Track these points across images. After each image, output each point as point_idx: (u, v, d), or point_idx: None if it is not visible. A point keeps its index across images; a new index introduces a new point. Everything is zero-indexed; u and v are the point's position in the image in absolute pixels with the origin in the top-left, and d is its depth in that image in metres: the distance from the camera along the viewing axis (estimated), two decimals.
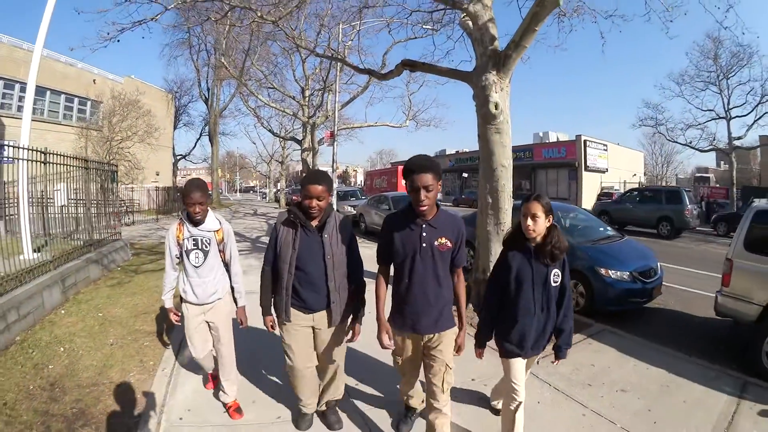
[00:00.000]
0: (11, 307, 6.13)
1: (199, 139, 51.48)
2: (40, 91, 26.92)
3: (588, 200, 38.33)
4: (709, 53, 32.35)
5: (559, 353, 3.69)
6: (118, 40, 9.51)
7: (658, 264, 8.46)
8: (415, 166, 3.23)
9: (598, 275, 7.67)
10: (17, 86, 26.33)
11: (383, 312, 3.62)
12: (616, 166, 45.77)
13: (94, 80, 32.15)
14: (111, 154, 25.92)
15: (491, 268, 7.71)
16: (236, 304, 4.49)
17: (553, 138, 49.05)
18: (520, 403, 3.61)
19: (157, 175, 35.98)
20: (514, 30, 6.81)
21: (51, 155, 8.53)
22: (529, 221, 3.43)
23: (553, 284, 3.52)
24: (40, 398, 4.91)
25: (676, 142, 38.09)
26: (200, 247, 4.20)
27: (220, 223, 4.29)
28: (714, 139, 34.11)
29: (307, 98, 26.15)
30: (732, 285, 6.32)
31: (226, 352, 4.51)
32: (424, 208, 3.26)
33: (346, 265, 3.85)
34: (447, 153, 65.37)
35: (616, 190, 38.02)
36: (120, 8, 9.16)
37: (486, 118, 7.27)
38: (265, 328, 4.02)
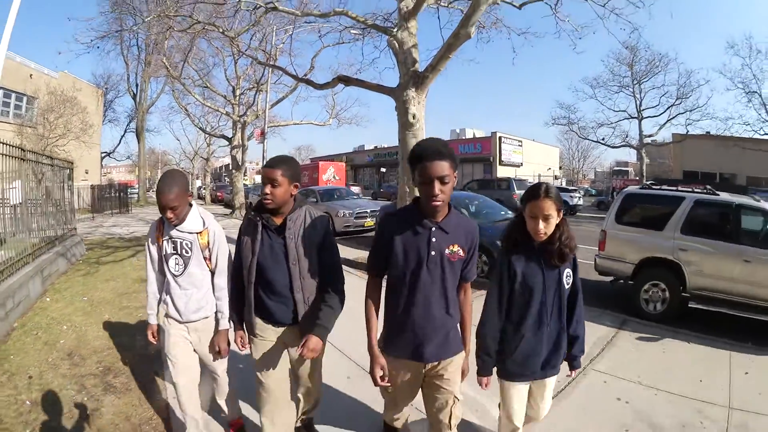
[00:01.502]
0: (8, 296, 6.46)
1: (123, 135, 48.77)
2: None
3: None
4: (625, 61, 35.87)
5: (575, 363, 3.11)
6: (98, 47, 9.87)
7: None
8: (427, 152, 2.54)
9: (497, 246, 8.73)
10: None
11: (375, 338, 2.88)
12: (531, 161, 49.07)
13: (30, 75, 30.09)
14: (47, 153, 24.84)
15: None
16: (216, 327, 3.53)
17: (469, 134, 51.48)
18: (517, 430, 3.11)
19: (87, 173, 34.76)
20: (431, 40, 8.17)
21: (29, 153, 9.04)
22: (540, 224, 2.78)
23: (566, 286, 2.94)
24: (62, 366, 5.28)
25: (588, 139, 42.45)
26: (180, 252, 3.41)
27: (205, 222, 3.42)
28: (627, 137, 38.02)
29: (237, 97, 26.51)
30: (606, 249, 8.36)
31: (218, 376, 3.70)
32: (439, 203, 2.55)
33: (317, 273, 3.11)
34: (366, 149, 66.22)
35: (529, 182, 40.38)
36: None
37: (405, 126, 9.39)
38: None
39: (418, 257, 2.69)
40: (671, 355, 5.82)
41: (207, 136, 41.29)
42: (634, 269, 7.94)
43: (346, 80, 10.97)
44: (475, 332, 3.01)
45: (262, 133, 23.78)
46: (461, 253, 2.73)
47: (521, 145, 49.61)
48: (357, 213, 16.84)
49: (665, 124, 36.35)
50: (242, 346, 3.36)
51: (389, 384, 2.87)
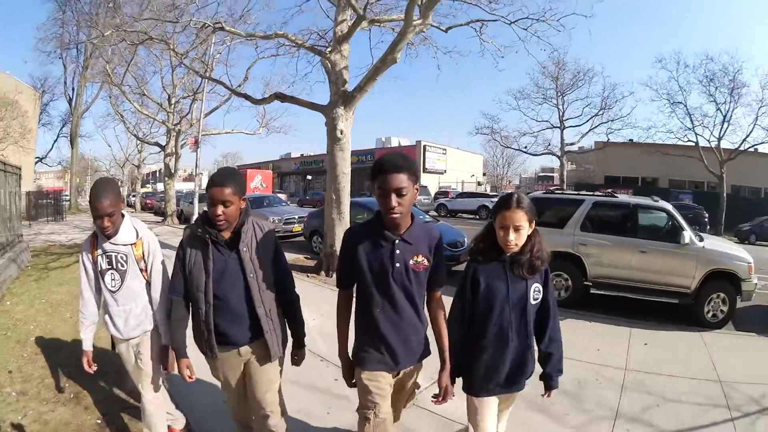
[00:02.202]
0: None
1: (56, 140, 47.06)
2: None
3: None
4: (551, 75, 38.00)
5: (551, 383, 2.95)
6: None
7: (465, 238, 11.95)
8: (385, 165, 2.56)
9: None
10: None
11: (346, 346, 2.94)
12: (455, 168, 51.13)
13: None
14: None
15: (337, 244, 10.33)
16: (158, 340, 3.40)
17: (395, 143, 52.75)
18: None
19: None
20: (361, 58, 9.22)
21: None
22: (511, 235, 2.70)
23: (533, 302, 2.81)
24: (39, 359, 5.67)
25: (511, 148, 45.00)
26: (115, 267, 3.24)
27: (138, 233, 3.30)
28: (549, 145, 40.30)
29: (172, 105, 26.58)
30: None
31: (148, 397, 3.44)
32: (396, 215, 2.56)
33: (273, 283, 3.02)
34: (292, 156, 66.85)
35: (452, 189, 43.00)
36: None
37: (333, 139, 10.46)
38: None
39: (383, 270, 2.68)
40: (572, 332, 6.20)
41: (138, 143, 40.82)
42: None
43: (282, 97, 11.88)
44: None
45: (196, 142, 23.97)
46: (425, 262, 2.72)
47: (445, 153, 51.52)
48: (286, 219, 17.78)
49: (587, 133, 38.75)
50: (189, 377, 3.11)
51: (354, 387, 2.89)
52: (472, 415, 2.93)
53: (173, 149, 27.20)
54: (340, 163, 10.62)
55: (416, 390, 3.04)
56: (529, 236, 2.75)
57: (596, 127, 37.77)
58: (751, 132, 32.59)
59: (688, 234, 8.12)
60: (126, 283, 3.28)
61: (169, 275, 3.24)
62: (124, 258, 3.26)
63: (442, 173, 50.16)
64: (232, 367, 3.10)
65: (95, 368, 3.42)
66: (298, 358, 3.28)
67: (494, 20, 11.72)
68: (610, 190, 10.19)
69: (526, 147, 42.05)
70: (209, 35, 13.89)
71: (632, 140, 38.93)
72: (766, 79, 32.15)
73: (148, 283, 3.36)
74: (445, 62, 40.24)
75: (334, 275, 9.77)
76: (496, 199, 12.17)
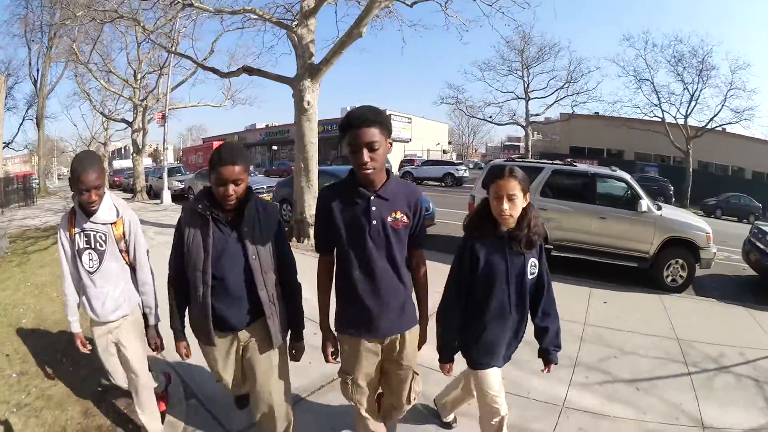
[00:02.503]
0: None
1: (21, 123, 45.79)
2: None
3: (392, 167, 42.55)
4: (516, 47, 39.02)
5: (549, 357, 2.97)
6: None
7: (430, 204, 12.42)
8: (355, 119, 2.45)
9: None
10: None
11: (328, 315, 2.85)
12: (420, 137, 52.12)
13: None
14: None
15: (306, 211, 10.77)
16: (146, 323, 3.41)
17: None
18: (504, 416, 2.96)
19: None
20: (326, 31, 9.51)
21: None
22: (505, 204, 2.68)
23: (530, 276, 2.84)
24: (33, 339, 5.82)
25: (476, 117, 46.54)
26: (93, 246, 3.12)
27: (118, 211, 3.16)
28: (515, 115, 41.54)
29: (138, 81, 26.33)
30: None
31: (140, 383, 3.42)
32: (368, 171, 2.46)
33: (276, 266, 2.88)
34: (257, 127, 66.93)
35: (418, 157, 44.15)
36: None
37: (300, 111, 10.81)
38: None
39: (359, 229, 2.59)
40: None
41: (105, 120, 40.53)
42: None
43: (250, 70, 12.17)
44: (435, 318, 2.97)
45: (163, 117, 24.05)
46: (405, 219, 2.63)
47: (410, 122, 52.02)
48: (254, 189, 17.75)
49: (552, 104, 40.07)
50: (186, 356, 3.07)
51: (337, 361, 2.84)
52: (480, 388, 2.96)
53: (140, 125, 27.04)
54: (307, 133, 11.03)
55: (416, 375, 2.92)
56: (524, 210, 2.74)
57: (561, 99, 38.99)
58: (718, 112, 33.91)
59: (645, 202, 8.70)
60: (104, 264, 3.15)
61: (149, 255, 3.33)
62: (103, 237, 3.13)
63: (407, 142, 50.71)
64: (229, 353, 2.96)
65: (90, 347, 3.35)
66: (296, 351, 3.08)
67: None
68: (569, 160, 10.86)
69: (491, 117, 43.09)
70: (178, 12, 13.96)
71: (597, 113, 40.18)
72: (736, 63, 33.49)
73: (130, 265, 3.28)
74: (410, 35, 40.69)
75: (306, 241, 11.16)
76: (460, 167, 12.93)
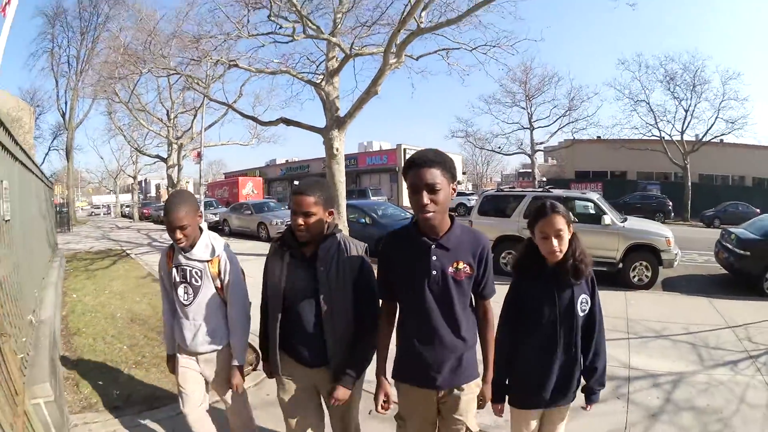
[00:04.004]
0: (50, 285, 6.79)
1: (47, 154, 46.50)
2: None
3: (408, 199, 43.98)
4: (520, 80, 40.00)
5: (592, 397, 2.81)
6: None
7: None
8: (416, 159, 2.35)
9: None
10: None
11: (384, 363, 2.70)
12: None
13: None
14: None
15: None
16: (230, 361, 3.22)
17: (376, 147, 54.59)
18: None
19: None
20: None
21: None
22: (554, 242, 2.58)
23: (581, 314, 2.66)
24: (134, 326, 6.82)
25: (485, 149, 47.41)
26: (189, 281, 3.17)
27: (215, 250, 3.16)
28: (521, 144, 42.29)
29: (171, 120, 28.43)
30: None
31: (239, 417, 3.48)
32: (428, 214, 2.30)
33: (352, 308, 2.76)
34: (277, 162, 68.07)
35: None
36: None
37: (330, 156, 13.05)
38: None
39: (419, 279, 2.44)
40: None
41: (132, 154, 42.54)
42: (494, 243, 11.52)
43: (287, 121, 14.34)
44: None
45: (199, 155, 25.64)
46: (467, 270, 2.44)
47: None
48: (286, 221, 19.57)
49: (556, 132, 41.11)
50: (270, 376, 3.07)
51: (386, 411, 2.68)
52: (514, 426, 2.86)
53: (175, 161, 28.85)
54: (336, 174, 13.29)
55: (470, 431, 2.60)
56: (570, 241, 2.62)
57: (564, 126, 39.98)
58: (713, 125, 34.85)
59: (609, 217, 10.69)
60: (198, 298, 3.16)
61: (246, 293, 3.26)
62: (199, 273, 3.14)
63: None
64: (301, 386, 2.88)
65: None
66: (334, 394, 2.73)
67: (457, 48, 14.12)
68: (548, 187, 12.92)
69: (500, 147, 44.33)
70: (225, 71, 16.00)
71: (599, 137, 41.09)
72: (727, 74, 34.24)
73: (224, 302, 3.23)
74: (418, 79, 42.36)
75: None
76: (471, 197, 14.51)
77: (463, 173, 63.29)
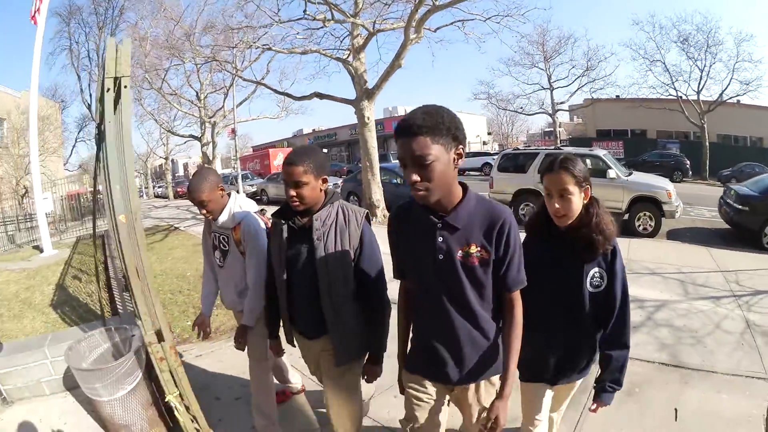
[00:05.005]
0: None
1: (74, 145, 47.94)
2: None
3: None
4: (537, 40, 39.99)
5: (601, 394, 2.38)
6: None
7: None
8: (398, 126, 1.88)
9: None
10: None
11: (405, 346, 2.40)
12: None
13: None
14: (26, 171, 25.70)
15: (373, 197, 14.52)
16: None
17: (401, 111, 53.69)
18: None
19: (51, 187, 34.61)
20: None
21: None
22: (556, 202, 2.24)
23: (591, 289, 2.27)
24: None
25: (507, 110, 47.68)
26: (219, 247, 3.38)
27: (236, 218, 3.24)
28: (543, 104, 42.65)
29: (202, 100, 29.47)
30: (494, 188, 13.68)
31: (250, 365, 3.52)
32: (420, 192, 1.87)
33: (351, 278, 2.57)
34: (304, 132, 68.19)
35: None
36: None
37: (362, 124, 14.24)
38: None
39: (424, 263, 2.08)
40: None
41: (161, 135, 43.84)
42: (512, 196, 13.09)
43: (320, 95, 15.37)
44: None
45: (233, 131, 26.98)
46: (482, 253, 1.98)
47: None
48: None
49: (575, 92, 41.32)
50: (276, 354, 3.19)
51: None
52: (524, 400, 2.59)
53: (209, 139, 30.09)
54: (369, 140, 14.51)
55: None
56: (585, 207, 2.28)
57: (583, 86, 40.08)
58: (728, 86, 34.65)
59: (614, 171, 11.81)
60: (227, 262, 3.35)
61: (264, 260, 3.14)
62: (226, 239, 3.31)
63: None
64: (313, 356, 2.85)
65: (209, 331, 3.60)
66: (369, 375, 2.76)
67: (472, 19, 14.91)
68: (559, 145, 14.05)
69: (521, 108, 44.83)
70: (259, 55, 17.49)
71: (618, 96, 40.89)
72: (740, 36, 34.27)
73: None
74: (438, 48, 42.50)
75: (374, 219, 13.24)
76: (497, 156, 15.99)
77: (489, 134, 63.24)
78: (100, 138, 4.75)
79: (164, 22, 22.53)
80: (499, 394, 2.08)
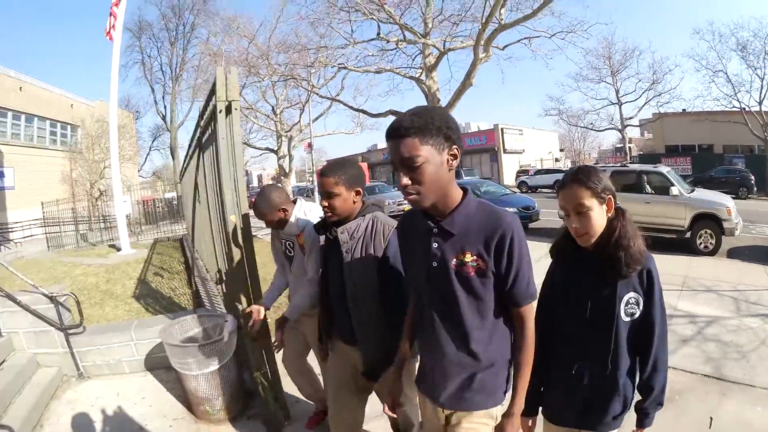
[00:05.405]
0: None
1: (148, 154, 51.15)
2: (29, 118, 27.68)
3: (509, 177, 44.59)
4: (604, 54, 39.24)
5: (644, 420, 2.07)
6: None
7: (535, 204, 15.46)
8: (388, 129, 1.79)
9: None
10: (9, 114, 26.22)
11: (407, 354, 2.28)
12: (532, 147, 51.71)
13: (71, 105, 32.14)
14: (100, 176, 27.46)
15: None
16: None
17: (474, 128, 54.70)
18: None
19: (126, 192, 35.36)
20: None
21: None
22: (573, 220, 1.97)
23: (626, 318, 1.94)
24: None
25: (577, 126, 46.90)
26: (286, 252, 3.50)
27: (298, 225, 3.30)
28: (612, 120, 41.93)
29: (278, 114, 29.99)
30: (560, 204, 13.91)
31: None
32: (411, 197, 1.75)
33: (376, 291, 2.50)
34: (379, 147, 68.37)
35: (531, 167, 45.21)
36: None
37: None
38: None
39: (419, 271, 1.96)
40: None
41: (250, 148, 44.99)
42: None
43: (395, 113, 15.57)
44: None
45: (310, 145, 27.88)
46: (479, 263, 1.78)
47: (522, 134, 51.83)
48: (398, 201, 21.52)
49: (643, 106, 40.30)
50: (320, 358, 3.23)
51: (394, 416, 2.45)
52: None
53: (285, 152, 30.60)
54: None
55: None
56: (611, 223, 1.97)
57: (650, 100, 39.17)
58: None
59: (676, 188, 11.63)
60: (293, 266, 3.45)
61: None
62: (292, 245, 3.43)
63: (521, 153, 50.77)
64: (344, 363, 2.78)
65: (258, 320, 3.43)
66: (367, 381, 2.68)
67: (537, 36, 15.25)
68: (625, 162, 14.19)
69: (591, 124, 44.11)
70: (335, 74, 18.39)
71: (684, 110, 39.62)
72: None
73: None
74: (507, 65, 42.15)
75: None
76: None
77: (561, 150, 62.36)
78: (199, 148, 5.42)
79: (237, 39, 23.51)
80: (508, 412, 1.94)
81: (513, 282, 1.81)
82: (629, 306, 1.94)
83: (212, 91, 3.89)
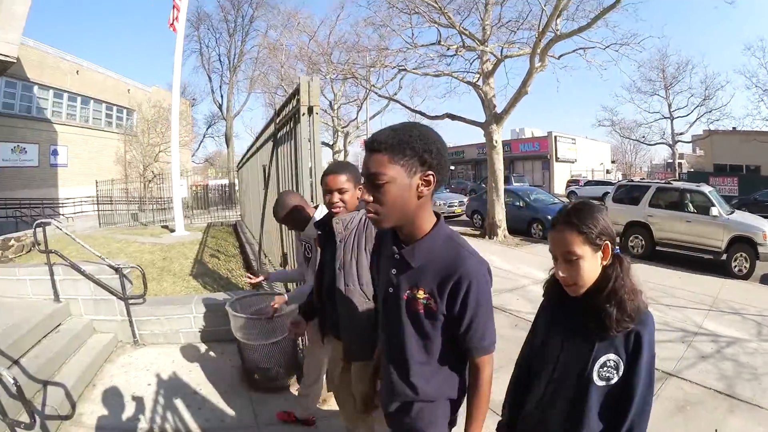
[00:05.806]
0: None
1: (202, 141, 51.42)
2: (85, 100, 29.00)
3: (559, 186, 43.91)
4: (657, 66, 38.65)
5: None
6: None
7: None
8: (366, 139, 1.66)
9: (547, 219, 14.41)
10: (65, 95, 27.45)
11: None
12: (584, 157, 50.72)
13: (128, 89, 33.16)
14: (155, 159, 28.50)
15: (495, 216, 15.08)
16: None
17: (528, 134, 53.35)
18: None
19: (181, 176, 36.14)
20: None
21: None
22: (561, 269, 1.66)
23: (599, 382, 1.61)
24: None
25: (629, 138, 46.55)
26: (305, 253, 3.59)
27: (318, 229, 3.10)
28: (664, 134, 41.18)
29: (335, 110, 30.51)
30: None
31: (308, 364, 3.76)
32: (371, 215, 1.64)
33: (366, 281, 2.51)
34: None
35: (582, 177, 44.62)
36: None
37: (491, 147, 14.83)
38: None
39: (379, 291, 1.92)
40: (642, 273, 8.33)
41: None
42: (624, 228, 13.11)
43: (452, 116, 16.18)
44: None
45: (365, 143, 27.84)
46: (428, 303, 1.66)
47: (575, 143, 50.83)
48: (448, 203, 21.89)
49: (694, 122, 39.61)
50: (293, 329, 3.24)
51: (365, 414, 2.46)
52: None
53: (342, 147, 31.38)
54: (496, 162, 15.12)
55: None
56: (605, 271, 1.66)
57: (702, 116, 38.40)
58: None
59: (716, 209, 11.52)
60: (310, 266, 3.50)
61: None
62: (310, 246, 3.49)
63: (573, 162, 49.76)
64: (329, 352, 2.95)
65: (253, 280, 4.04)
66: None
67: (592, 47, 15.29)
68: (669, 179, 14.13)
69: (643, 137, 43.64)
70: (395, 75, 18.86)
71: (735, 128, 38.46)
72: None
73: None
74: (562, 73, 41.80)
75: (495, 237, 15.06)
76: (614, 187, 15.91)
77: (612, 162, 61.25)
78: (274, 142, 6.01)
79: (296, 34, 24.06)
80: None
81: (466, 330, 1.68)
82: (605, 369, 1.61)
83: (293, 95, 4.55)
